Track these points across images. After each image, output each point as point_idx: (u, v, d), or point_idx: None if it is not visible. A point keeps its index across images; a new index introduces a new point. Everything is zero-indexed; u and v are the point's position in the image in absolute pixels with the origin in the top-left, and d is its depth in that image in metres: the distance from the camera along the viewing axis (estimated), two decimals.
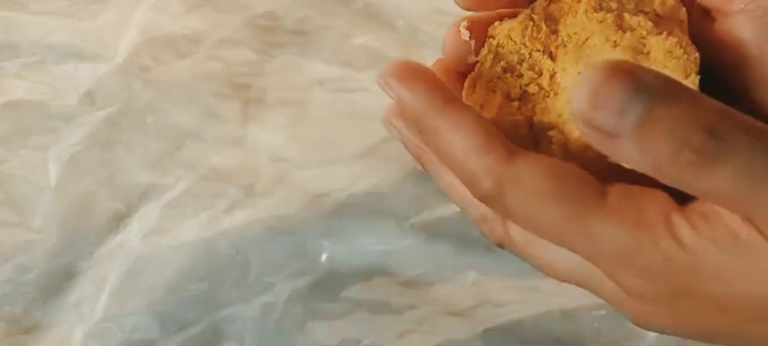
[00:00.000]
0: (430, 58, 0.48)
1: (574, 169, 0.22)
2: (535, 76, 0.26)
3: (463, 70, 0.27)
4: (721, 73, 0.25)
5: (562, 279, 0.24)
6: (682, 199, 0.22)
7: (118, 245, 0.43)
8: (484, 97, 0.26)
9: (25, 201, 0.44)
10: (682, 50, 0.24)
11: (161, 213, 0.44)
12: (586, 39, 0.25)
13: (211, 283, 0.42)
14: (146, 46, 0.50)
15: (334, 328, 0.41)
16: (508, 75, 0.26)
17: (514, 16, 0.27)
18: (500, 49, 0.26)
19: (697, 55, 0.24)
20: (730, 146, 0.19)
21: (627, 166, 0.21)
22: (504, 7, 0.27)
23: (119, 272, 0.42)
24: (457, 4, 0.26)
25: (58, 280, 0.42)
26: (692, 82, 0.24)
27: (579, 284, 0.24)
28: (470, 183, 0.23)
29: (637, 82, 0.19)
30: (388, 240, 0.43)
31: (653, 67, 0.24)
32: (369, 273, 0.42)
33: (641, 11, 0.25)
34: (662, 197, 0.22)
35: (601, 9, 0.25)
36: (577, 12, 0.26)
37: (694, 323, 0.22)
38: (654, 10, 0.25)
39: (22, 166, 0.46)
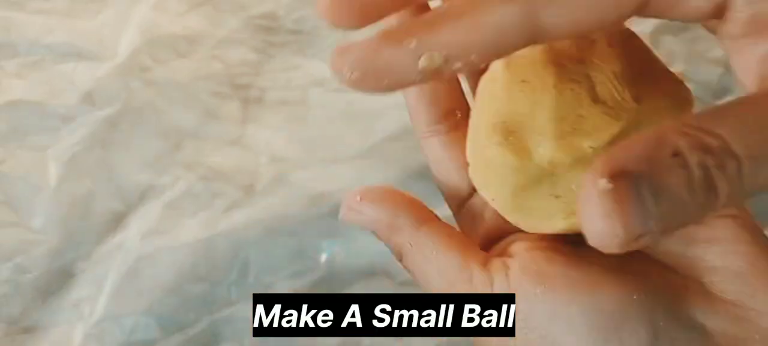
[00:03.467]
0: None
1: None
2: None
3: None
4: None
5: None
6: None
7: (117, 245, 0.43)
8: None
9: (24, 201, 0.44)
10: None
11: (161, 213, 0.44)
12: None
13: (210, 283, 0.42)
14: (146, 46, 0.50)
15: None
16: None
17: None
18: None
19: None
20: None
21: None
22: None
23: (119, 272, 0.42)
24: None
25: (58, 280, 0.42)
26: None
27: None
28: None
29: (635, 183, 0.18)
30: None
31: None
32: (369, 273, 0.42)
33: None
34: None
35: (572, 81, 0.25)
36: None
37: None
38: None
39: (21, 166, 0.46)
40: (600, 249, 0.18)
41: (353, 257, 0.42)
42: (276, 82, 0.49)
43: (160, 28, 0.51)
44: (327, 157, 0.46)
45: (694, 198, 0.18)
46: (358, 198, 0.28)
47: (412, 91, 0.29)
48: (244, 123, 0.48)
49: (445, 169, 0.29)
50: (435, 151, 0.29)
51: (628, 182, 0.18)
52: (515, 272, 0.25)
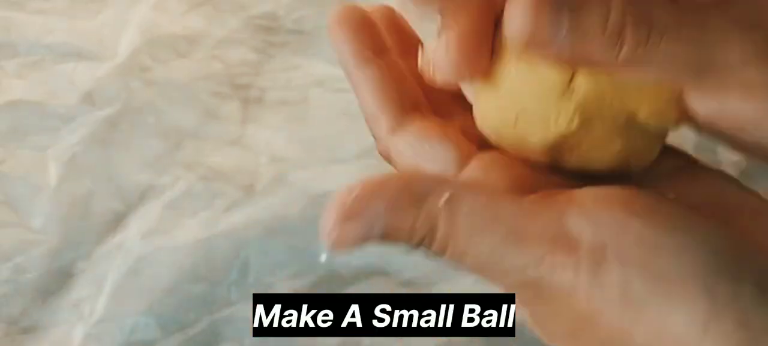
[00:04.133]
0: None
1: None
2: None
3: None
4: None
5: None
6: None
7: (117, 245, 0.43)
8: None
9: (24, 201, 0.44)
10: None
11: (161, 213, 0.44)
12: None
13: (210, 283, 0.42)
14: (146, 46, 0.50)
15: None
16: None
17: None
18: None
19: None
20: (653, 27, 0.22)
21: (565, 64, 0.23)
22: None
23: (119, 273, 0.42)
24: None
25: (57, 280, 0.42)
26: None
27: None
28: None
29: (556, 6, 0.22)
30: None
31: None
32: (369, 273, 0.42)
33: None
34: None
35: None
36: None
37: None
38: None
39: (21, 166, 0.46)
40: (512, 40, 0.22)
41: (353, 257, 0.42)
42: (276, 82, 0.49)
43: (160, 28, 0.51)
44: (327, 157, 0.46)
45: (601, 37, 0.22)
46: (354, 197, 0.22)
47: (372, 94, 0.26)
48: (244, 123, 0.48)
49: (426, 152, 0.25)
50: (408, 143, 0.25)
51: (550, 4, 0.22)
52: (593, 201, 0.22)
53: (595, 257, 0.21)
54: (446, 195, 0.22)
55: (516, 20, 0.22)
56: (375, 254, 0.43)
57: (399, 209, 0.22)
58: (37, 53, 0.50)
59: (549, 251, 0.21)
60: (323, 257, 0.43)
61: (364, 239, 0.22)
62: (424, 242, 0.22)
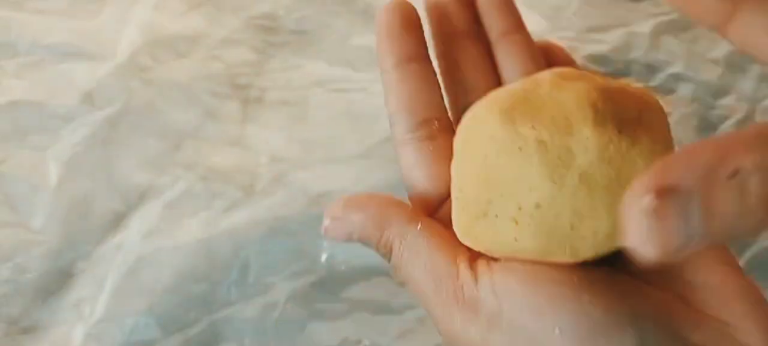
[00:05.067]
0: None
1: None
2: None
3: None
4: None
5: None
6: None
7: (117, 246, 0.43)
8: None
9: (24, 201, 0.44)
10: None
11: (161, 213, 0.44)
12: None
13: (210, 283, 0.42)
14: (146, 46, 0.50)
15: (334, 328, 0.40)
16: None
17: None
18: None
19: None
20: None
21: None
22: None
23: (119, 273, 0.42)
24: None
25: (57, 280, 0.42)
26: None
27: None
28: None
29: (682, 202, 0.17)
30: None
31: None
32: (369, 273, 0.42)
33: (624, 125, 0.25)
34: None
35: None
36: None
37: None
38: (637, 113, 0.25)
39: (21, 166, 0.46)
40: (640, 261, 0.18)
41: (353, 257, 0.42)
42: (276, 82, 0.49)
43: (160, 28, 0.51)
44: (327, 157, 0.46)
45: (748, 219, 0.17)
46: (342, 205, 0.28)
47: (393, 99, 0.29)
48: (244, 123, 0.48)
49: (417, 176, 0.29)
50: (408, 158, 0.29)
51: (675, 201, 0.17)
52: (501, 272, 0.25)
53: (491, 321, 0.24)
54: (400, 233, 0.27)
55: (640, 245, 0.17)
56: (375, 254, 0.43)
57: (368, 227, 0.28)
58: (37, 53, 0.50)
59: (458, 309, 0.25)
60: (323, 257, 0.43)
61: (348, 238, 0.28)
62: (386, 258, 0.28)
